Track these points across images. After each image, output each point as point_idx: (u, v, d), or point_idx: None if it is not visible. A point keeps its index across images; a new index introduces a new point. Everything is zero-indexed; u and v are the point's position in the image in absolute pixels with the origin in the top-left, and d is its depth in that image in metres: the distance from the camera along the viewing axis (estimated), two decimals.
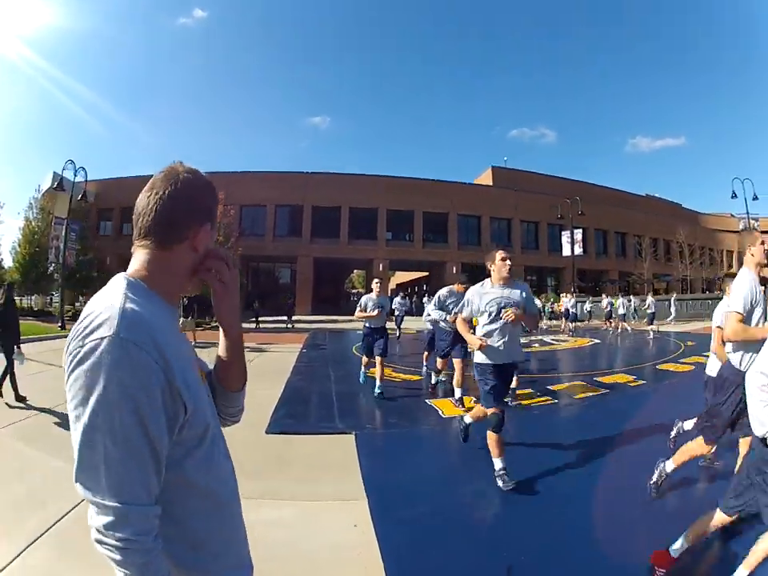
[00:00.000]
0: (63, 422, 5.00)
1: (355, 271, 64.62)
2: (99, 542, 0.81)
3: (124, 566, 0.81)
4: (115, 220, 35.72)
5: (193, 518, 0.93)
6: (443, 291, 6.35)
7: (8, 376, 6.05)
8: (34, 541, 2.64)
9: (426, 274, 46.36)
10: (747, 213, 25.10)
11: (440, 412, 5.82)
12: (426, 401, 6.39)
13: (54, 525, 2.82)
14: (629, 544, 2.64)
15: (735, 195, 24.83)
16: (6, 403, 5.96)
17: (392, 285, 50.98)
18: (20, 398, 5.96)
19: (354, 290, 70.02)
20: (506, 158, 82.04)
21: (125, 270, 0.96)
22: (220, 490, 0.98)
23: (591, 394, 6.84)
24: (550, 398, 6.48)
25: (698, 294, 33.26)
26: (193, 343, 9.48)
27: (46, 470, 3.75)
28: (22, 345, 6.55)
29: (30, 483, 3.55)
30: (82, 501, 2.77)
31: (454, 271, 36.82)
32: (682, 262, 41.18)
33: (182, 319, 10.41)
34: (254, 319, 22.98)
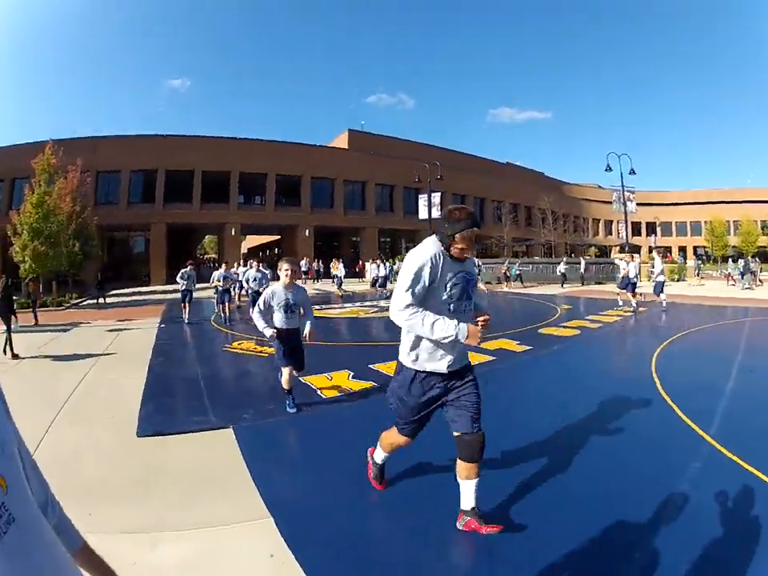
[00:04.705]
0: None
1: (207, 237, 60.61)
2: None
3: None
4: (5, 192, 28.49)
5: None
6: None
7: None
8: None
9: (278, 237, 44.89)
10: (622, 185, 27.46)
11: (318, 392, 5.51)
12: (300, 379, 5.84)
13: None
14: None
15: (610, 168, 26.32)
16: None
17: (243, 249, 48.55)
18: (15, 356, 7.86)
19: (206, 256, 67.57)
20: (363, 122, 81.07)
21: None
22: None
23: (477, 362, 6.34)
24: None
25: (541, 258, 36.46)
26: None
27: None
28: None
29: None
30: None
31: (307, 234, 36.13)
32: (545, 227, 44.07)
33: None
34: (97, 295, 19.69)
